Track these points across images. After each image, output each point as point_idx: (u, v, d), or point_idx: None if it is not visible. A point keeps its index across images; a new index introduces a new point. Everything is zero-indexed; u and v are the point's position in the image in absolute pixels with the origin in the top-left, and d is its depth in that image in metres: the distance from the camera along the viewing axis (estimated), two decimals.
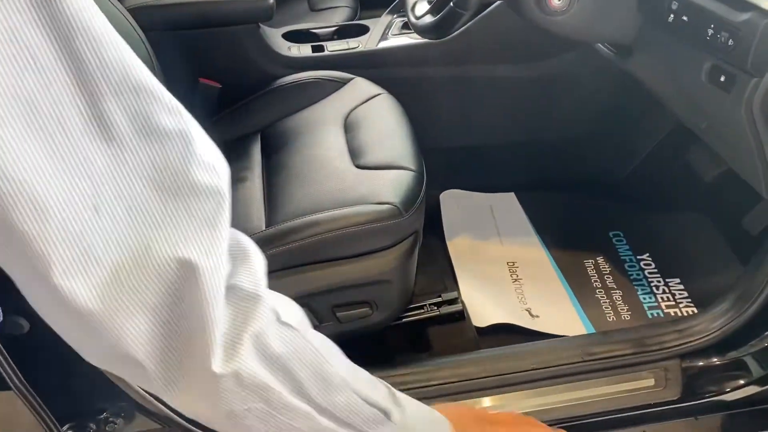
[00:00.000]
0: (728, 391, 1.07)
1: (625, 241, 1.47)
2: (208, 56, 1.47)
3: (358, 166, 1.17)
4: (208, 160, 0.37)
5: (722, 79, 0.91)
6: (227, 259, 0.38)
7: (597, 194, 1.60)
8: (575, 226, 1.53)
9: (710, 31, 0.89)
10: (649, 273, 1.39)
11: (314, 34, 1.58)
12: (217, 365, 0.37)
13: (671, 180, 1.53)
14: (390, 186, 1.10)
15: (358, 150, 1.22)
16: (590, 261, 1.43)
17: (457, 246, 1.46)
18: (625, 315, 1.29)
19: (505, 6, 1.18)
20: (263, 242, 1.02)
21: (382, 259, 1.07)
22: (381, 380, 0.50)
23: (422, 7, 1.11)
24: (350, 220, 1.03)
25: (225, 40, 1.47)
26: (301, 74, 1.42)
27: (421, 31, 1.07)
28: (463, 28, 1.24)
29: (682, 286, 1.35)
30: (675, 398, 1.07)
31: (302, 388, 0.42)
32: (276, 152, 1.29)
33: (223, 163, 0.39)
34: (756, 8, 0.83)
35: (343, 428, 0.45)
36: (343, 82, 1.40)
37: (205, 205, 0.36)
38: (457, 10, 0.96)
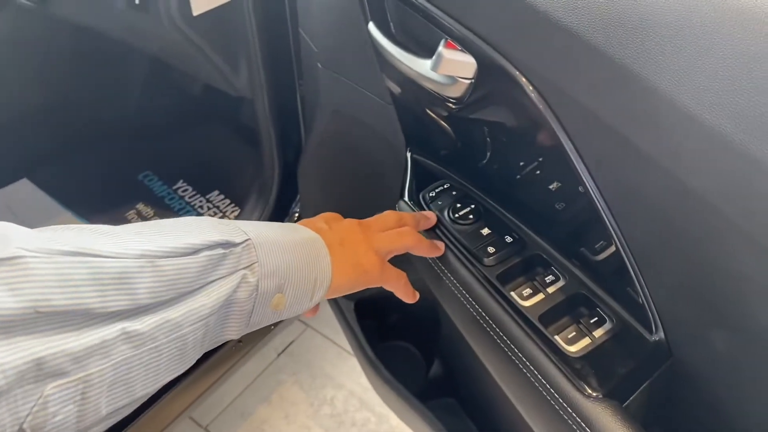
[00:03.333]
0: None
1: (156, 178, 1.47)
2: None
3: None
4: None
5: (137, 2, 0.91)
6: None
7: (110, 145, 1.54)
8: (103, 184, 1.46)
9: None
10: (190, 197, 1.42)
11: None
12: None
13: (167, 103, 1.55)
14: None
15: None
16: (132, 212, 1.39)
17: None
18: None
19: None
20: None
21: None
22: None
23: None
24: None
25: None
26: None
27: None
28: None
29: (222, 196, 1.42)
30: None
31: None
32: None
33: None
34: None
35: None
36: None
37: None
38: None
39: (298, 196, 1.20)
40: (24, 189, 1.45)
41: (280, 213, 1.21)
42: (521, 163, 0.62)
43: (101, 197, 1.42)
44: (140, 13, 0.92)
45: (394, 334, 0.93)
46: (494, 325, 0.54)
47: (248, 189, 1.31)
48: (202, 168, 1.48)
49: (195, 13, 0.91)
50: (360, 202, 0.79)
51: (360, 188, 0.78)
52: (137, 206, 1.40)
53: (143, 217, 1.38)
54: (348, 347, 1.54)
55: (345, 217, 0.57)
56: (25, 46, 1.42)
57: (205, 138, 1.51)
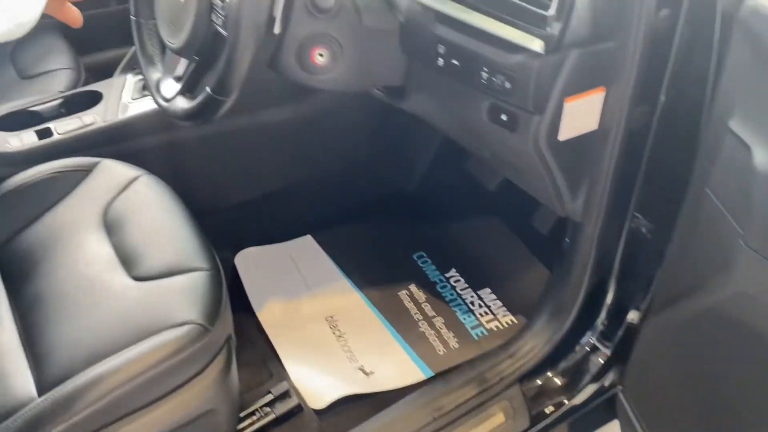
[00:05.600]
0: (572, 399, 1.10)
1: (430, 261, 1.46)
2: None
3: (137, 278, 0.98)
4: None
5: (504, 118, 0.89)
6: None
7: (390, 216, 1.57)
8: (379, 255, 1.48)
9: (484, 75, 0.86)
10: (461, 289, 1.39)
11: (35, 112, 1.30)
12: None
13: (456, 188, 1.55)
14: (183, 298, 0.93)
15: (130, 256, 1.02)
16: (404, 291, 1.39)
17: (268, 315, 1.33)
18: (453, 343, 1.27)
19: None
20: (40, 420, 0.81)
21: (196, 388, 0.90)
22: None
23: (170, 87, 0.93)
24: (147, 361, 0.85)
25: None
26: (32, 170, 1.15)
27: (176, 117, 0.90)
28: None
29: (494, 296, 1.37)
30: (526, 426, 1.08)
31: None
32: (23, 279, 1.03)
33: None
34: (526, 50, 0.81)
35: None
36: (87, 170, 1.17)
37: None
38: (217, 97, 0.81)
39: (596, 327, 1.12)
40: (307, 245, 1.52)
41: (571, 340, 1.13)
42: None
43: (377, 270, 1.44)
44: (501, 129, 0.90)
45: None
46: None
47: (523, 296, 1.26)
48: (475, 259, 1.45)
49: (561, 138, 0.88)
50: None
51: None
52: (410, 287, 1.40)
53: (415, 300, 1.37)
54: None
55: None
56: (330, 117, 1.50)
57: (486, 230, 1.49)
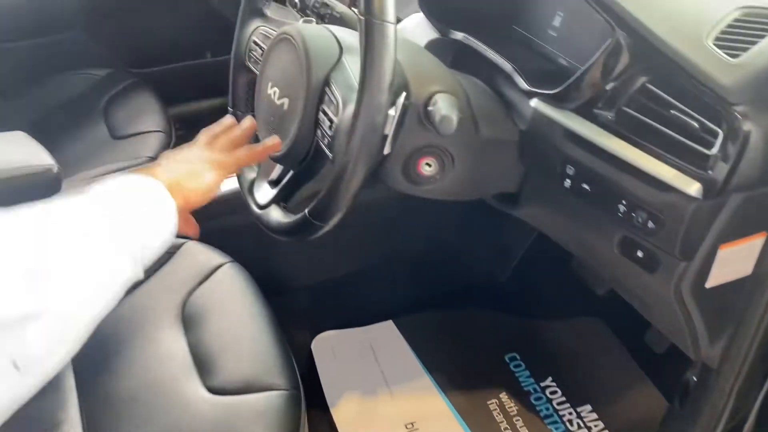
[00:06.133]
0: None
1: (524, 366, 1.33)
2: None
3: (211, 389, 0.90)
4: None
5: (640, 255, 0.77)
6: None
7: (479, 308, 1.45)
8: (466, 353, 1.36)
9: (622, 208, 0.74)
10: (558, 403, 1.25)
11: None
12: None
13: (555, 283, 1.41)
14: (259, 423, 0.85)
15: (206, 361, 0.95)
16: (493, 401, 1.26)
17: (343, 414, 1.23)
18: None
19: None
20: None
21: None
22: None
23: (264, 192, 0.86)
24: None
25: None
26: None
27: (268, 228, 0.82)
28: None
29: (595, 415, 1.23)
30: None
31: None
32: (94, 371, 0.97)
33: None
34: (677, 191, 0.68)
35: None
36: (170, 252, 1.11)
37: None
38: (314, 221, 0.73)
39: None
40: (388, 332, 1.41)
41: None
42: None
43: (463, 370, 1.31)
44: (635, 265, 0.78)
45: None
46: None
47: (628, 420, 1.10)
48: (575, 368, 1.30)
49: (708, 285, 0.75)
50: None
51: None
52: (500, 395, 1.27)
53: (505, 411, 1.24)
54: None
55: None
56: (421, 199, 1.40)
57: (589, 336, 1.34)
